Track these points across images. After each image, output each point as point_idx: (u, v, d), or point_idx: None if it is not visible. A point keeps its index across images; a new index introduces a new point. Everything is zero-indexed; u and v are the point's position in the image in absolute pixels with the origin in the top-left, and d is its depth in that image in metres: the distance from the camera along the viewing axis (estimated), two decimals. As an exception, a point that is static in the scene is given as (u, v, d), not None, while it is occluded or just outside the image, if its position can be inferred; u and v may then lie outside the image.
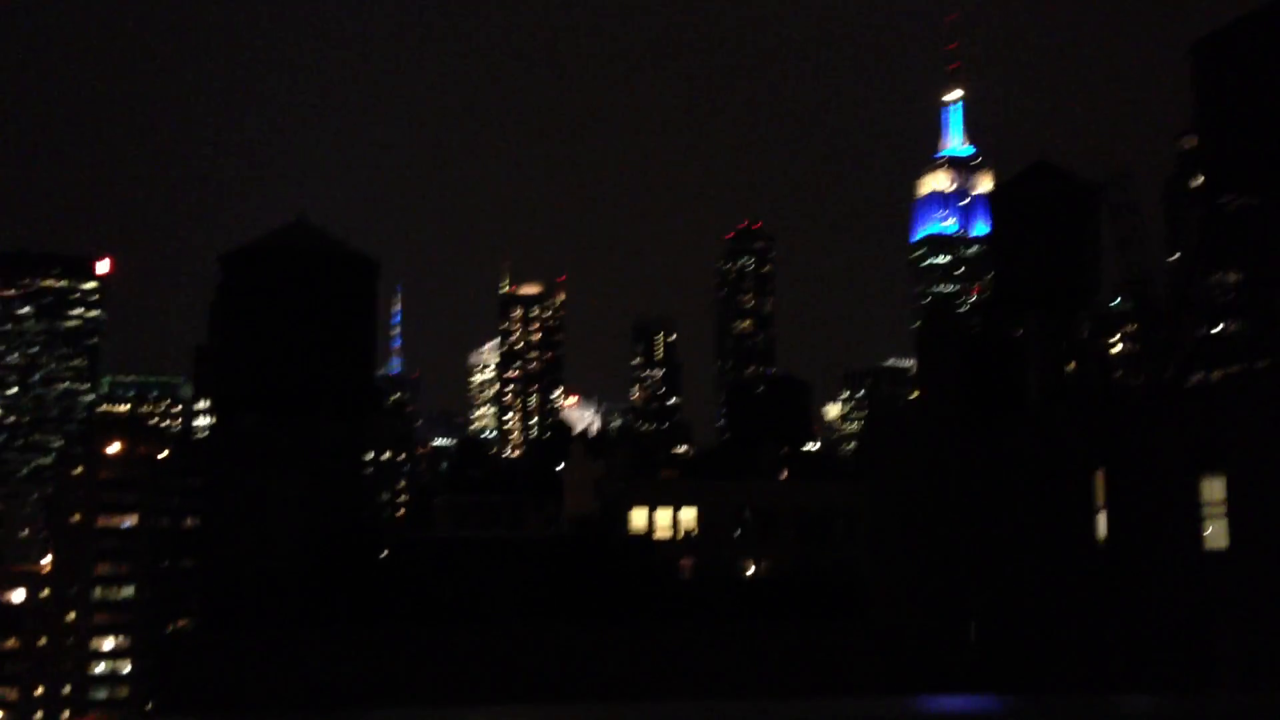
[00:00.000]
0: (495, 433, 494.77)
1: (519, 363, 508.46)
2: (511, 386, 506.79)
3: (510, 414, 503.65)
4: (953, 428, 52.49)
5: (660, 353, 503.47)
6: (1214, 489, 41.97)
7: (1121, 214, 50.68)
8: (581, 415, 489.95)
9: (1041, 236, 51.90)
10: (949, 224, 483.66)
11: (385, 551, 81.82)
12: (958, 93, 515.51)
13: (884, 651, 42.83)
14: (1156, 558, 42.79)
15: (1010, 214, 55.73)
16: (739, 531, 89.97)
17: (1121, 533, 44.09)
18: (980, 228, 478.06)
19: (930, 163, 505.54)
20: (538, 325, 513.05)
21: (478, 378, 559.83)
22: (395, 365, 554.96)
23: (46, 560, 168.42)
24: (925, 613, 53.87)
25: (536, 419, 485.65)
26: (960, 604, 52.42)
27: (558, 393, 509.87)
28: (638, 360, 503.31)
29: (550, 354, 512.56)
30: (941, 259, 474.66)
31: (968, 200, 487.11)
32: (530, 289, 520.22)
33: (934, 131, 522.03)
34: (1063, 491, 47.16)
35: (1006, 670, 50.28)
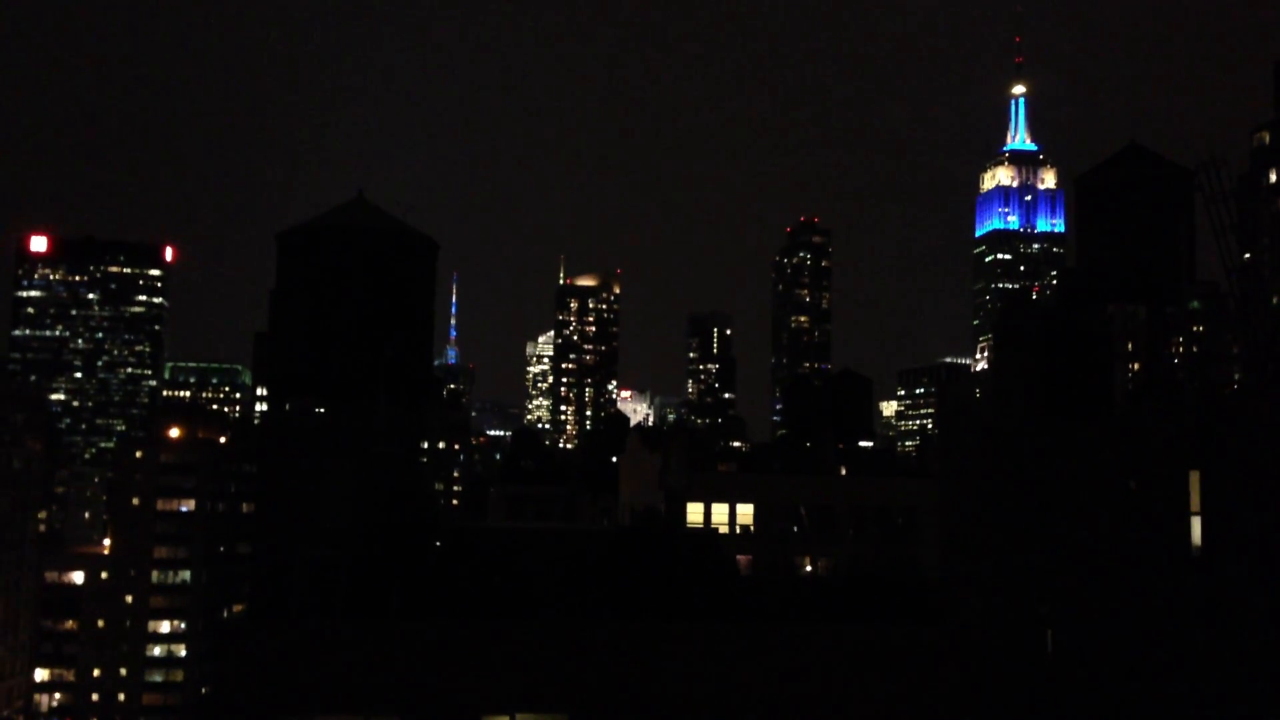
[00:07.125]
0: (550, 424, 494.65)
1: (574, 355, 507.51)
2: (567, 378, 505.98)
3: (565, 406, 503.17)
4: (1033, 426, 49.96)
5: (715, 347, 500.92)
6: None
7: (1216, 202, 47.80)
8: (635, 409, 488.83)
9: (1132, 224, 49.10)
10: (1011, 220, 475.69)
11: (438, 543, 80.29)
12: (1022, 88, 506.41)
13: (957, 659, 40.45)
14: (1258, 566, 40.06)
15: (1098, 200, 52.91)
16: (796, 528, 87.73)
17: (1219, 539, 41.37)
18: (1043, 224, 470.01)
19: (995, 158, 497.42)
20: (594, 318, 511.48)
21: (533, 369, 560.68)
22: (451, 355, 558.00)
23: (106, 543, 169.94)
24: (1000, 619, 51.46)
25: (591, 411, 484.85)
26: (1037, 612, 49.97)
27: (612, 385, 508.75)
28: (693, 354, 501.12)
29: (606, 347, 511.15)
30: (1004, 255, 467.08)
31: (1031, 196, 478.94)
32: (587, 281, 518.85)
33: (1002, 126, 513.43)
34: (1152, 494, 44.51)
35: (1084, 685, 47.70)
